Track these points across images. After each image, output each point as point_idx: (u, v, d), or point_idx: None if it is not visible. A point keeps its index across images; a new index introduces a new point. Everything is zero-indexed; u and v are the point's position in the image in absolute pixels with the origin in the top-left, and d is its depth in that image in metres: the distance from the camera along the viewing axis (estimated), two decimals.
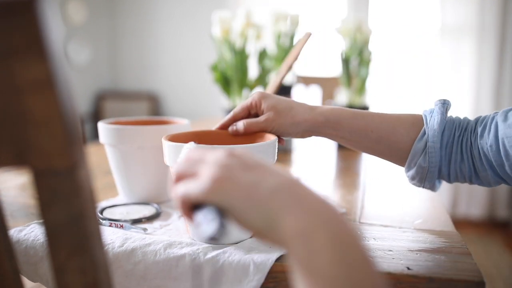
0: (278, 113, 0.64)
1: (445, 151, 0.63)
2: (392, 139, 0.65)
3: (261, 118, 0.65)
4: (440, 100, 0.66)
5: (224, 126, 0.68)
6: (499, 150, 0.57)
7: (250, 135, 0.67)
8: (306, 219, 0.32)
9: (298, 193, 0.34)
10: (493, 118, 0.61)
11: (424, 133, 0.63)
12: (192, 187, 0.35)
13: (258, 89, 1.25)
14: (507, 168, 0.57)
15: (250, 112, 0.67)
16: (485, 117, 0.63)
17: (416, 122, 0.65)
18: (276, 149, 0.62)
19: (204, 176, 0.35)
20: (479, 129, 0.61)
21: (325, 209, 0.33)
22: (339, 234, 0.32)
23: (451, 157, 0.63)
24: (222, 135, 0.68)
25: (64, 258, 0.33)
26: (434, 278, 0.49)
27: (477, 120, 0.63)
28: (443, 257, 0.54)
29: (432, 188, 0.66)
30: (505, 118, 0.58)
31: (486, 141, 0.59)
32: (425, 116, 0.65)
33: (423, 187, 0.66)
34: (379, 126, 0.65)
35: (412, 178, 0.66)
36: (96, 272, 0.33)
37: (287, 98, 0.67)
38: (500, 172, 0.59)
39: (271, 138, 0.62)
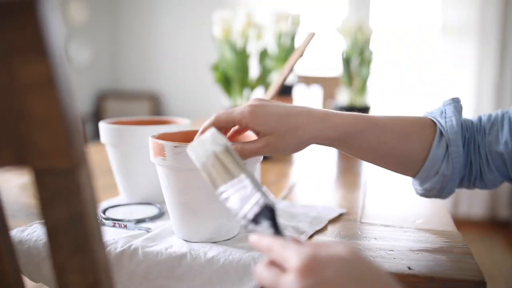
0: (280, 137, 0.53)
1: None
2: (405, 148, 0.58)
3: (260, 143, 0.53)
4: (450, 99, 0.60)
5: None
6: None
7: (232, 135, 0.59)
8: None
9: None
10: (503, 115, 0.58)
11: (441, 136, 0.58)
12: None
13: (259, 90, 1.25)
14: None
15: (236, 124, 0.55)
16: (489, 115, 0.60)
17: (425, 125, 0.59)
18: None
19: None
20: (487, 127, 0.58)
21: None
22: None
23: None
24: None
25: (64, 257, 0.33)
26: (435, 278, 0.49)
27: (480, 119, 0.60)
28: (444, 257, 0.53)
29: (447, 196, 0.61)
30: None
31: (499, 139, 0.56)
32: (435, 118, 0.59)
33: (440, 197, 0.61)
34: (392, 135, 0.57)
35: (430, 189, 0.60)
36: (97, 272, 0.33)
37: (289, 109, 0.55)
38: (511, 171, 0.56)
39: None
